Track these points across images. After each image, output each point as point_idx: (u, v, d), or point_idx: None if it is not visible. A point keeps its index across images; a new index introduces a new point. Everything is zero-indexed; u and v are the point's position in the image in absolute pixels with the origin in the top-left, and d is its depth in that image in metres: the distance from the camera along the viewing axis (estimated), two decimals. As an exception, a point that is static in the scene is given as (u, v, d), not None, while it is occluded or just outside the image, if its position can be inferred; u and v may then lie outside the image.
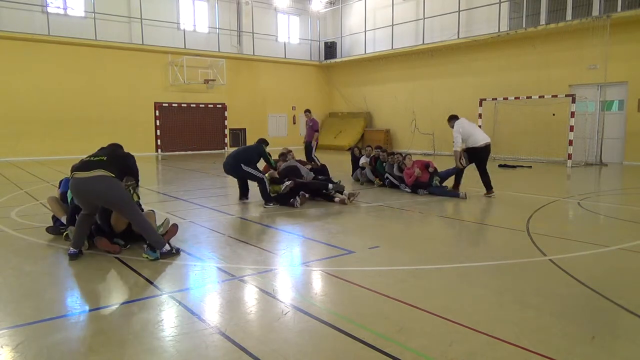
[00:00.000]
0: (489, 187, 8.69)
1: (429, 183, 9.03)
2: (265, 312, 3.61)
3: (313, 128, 13.82)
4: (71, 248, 4.88)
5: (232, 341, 3.07)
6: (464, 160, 8.79)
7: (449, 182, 9.34)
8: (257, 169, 8.06)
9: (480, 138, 8.68)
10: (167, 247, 4.89)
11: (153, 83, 20.27)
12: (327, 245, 5.51)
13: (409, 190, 9.20)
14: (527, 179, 11.95)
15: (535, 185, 10.86)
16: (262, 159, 8.24)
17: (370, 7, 22.96)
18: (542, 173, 13.19)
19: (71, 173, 4.79)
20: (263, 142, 8.35)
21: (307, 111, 14.58)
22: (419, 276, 4.42)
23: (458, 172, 9.12)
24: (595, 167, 14.47)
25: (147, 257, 4.81)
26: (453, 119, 8.91)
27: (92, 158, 4.89)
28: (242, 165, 7.96)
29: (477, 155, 8.72)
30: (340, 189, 8.36)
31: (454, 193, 8.78)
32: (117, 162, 4.98)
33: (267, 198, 7.89)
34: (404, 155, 9.94)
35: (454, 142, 8.66)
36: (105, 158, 4.86)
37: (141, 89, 19.85)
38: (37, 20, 17.59)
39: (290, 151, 9.25)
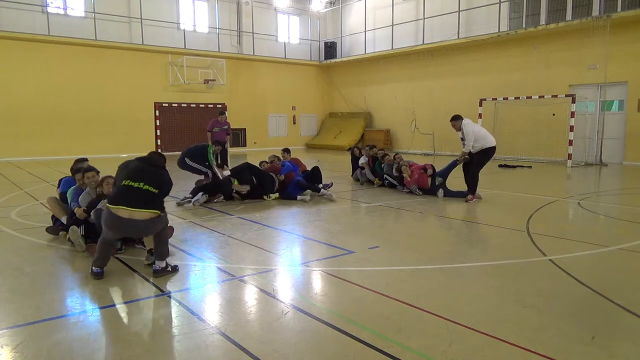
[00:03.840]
0: (473, 189, 8.42)
1: (431, 187, 8.86)
2: (265, 312, 3.61)
3: (227, 131, 12.47)
4: (93, 267, 4.35)
5: (232, 341, 3.07)
6: (466, 159, 8.62)
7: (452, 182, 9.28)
8: (203, 164, 8.66)
9: (492, 139, 8.45)
10: (162, 263, 4.42)
11: (153, 83, 20.27)
12: (327, 245, 5.51)
13: (407, 191, 9.19)
14: (527, 179, 11.95)
15: (535, 185, 10.86)
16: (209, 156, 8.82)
17: (370, 7, 22.95)
18: (542, 173, 13.19)
19: (115, 201, 4.25)
20: (214, 144, 8.98)
21: (223, 113, 12.65)
22: (419, 276, 4.42)
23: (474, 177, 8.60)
24: (595, 167, 14.46)
25: (145, 261, 4.82)
26: (459, 118, 8.54)
27: (141, 185, 4.31)
28: (186, 159, 8.71)
29: (487, 156, 8.43)
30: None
31: (463, 193, 8.64)
32: (165, 192, 4.51)
33: (195, 191, 8.26)
34: (395, 156, 10.00)
35: (465, 142, 8.32)
36: (157, 191, 4.37)
37: (141, 88, 19.84)
38: (37, 20, 17.58)
39: (280, 156, 9.59)
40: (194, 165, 8.69)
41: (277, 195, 8.57)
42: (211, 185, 8.45)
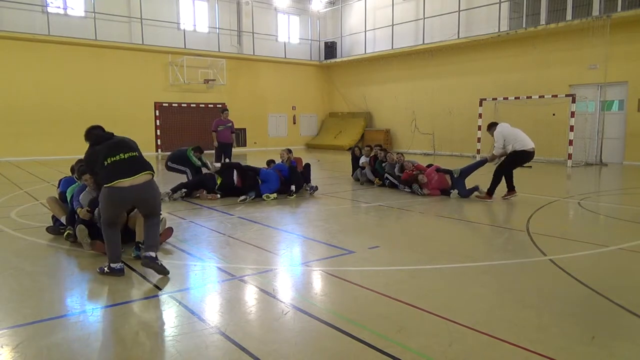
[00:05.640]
0: (489, 190, 8.46)
1: (452, 184, 8.82)
2: (265, 312, 3.62)
3: (232, 129, 12.64)
4: (111, 264, 4.32)
5: (232, 341, 3.07)
6: (497, 160, 8.67)
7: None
8: (184, 166, 9.57)
9: (528, 142, 8.35)
10: (154, 253, 4.33)
11: (153, 83, 20.26)
12: (327, 245, 5.51)
13: (408, 190, 9.19)
14: (527, 179, 11.93)
15: (535, 185, 10.85)
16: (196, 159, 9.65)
17: (370, 7, 22.95)
18: (542, 173, 13.19)
19: (110, 179, 4.15)
20: (194, 150, 9.73)
21: (225, 110, 13.00)
22: (418, 276, 4.42)
23: (508, 176, 8.50)
24: (595, 167, 14.46)
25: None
26: (492, 126, 8.65)
27: (122, 156, 4.29)
28: (169, 163, 9.83)
29: (524, 158, 8.38)
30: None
31: (475, 189, 8.65)
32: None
33: (179, 187, 8.77)
34: (396, 156, 10.01)
35: (495, 146, 8.48)
36: (136, 153, 4.40)
37: (141, 88, 19.84)
38: (37, 20, 17.57)
39: (289, 151, 9.92)
40: (176, 167, 9.76)
41: (275, 195, 8.61)
42: (193, 181, 9.01)
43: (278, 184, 8.83)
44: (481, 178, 9.52)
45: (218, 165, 10.05)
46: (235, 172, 8.89)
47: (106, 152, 4.29)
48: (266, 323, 3.41)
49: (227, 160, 12.45)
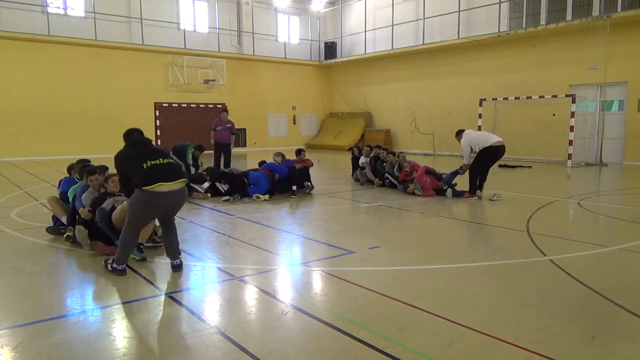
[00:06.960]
0: (475, 188, 8.53)
1: (441, 187, 8.94)
2: (265, 312, 3.62)
3: (232, 130, 12.80)
4: (116, 264, 4.40)
5: (232, 341, 3.07)
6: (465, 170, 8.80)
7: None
8: (181, 161, 9.37)
9: (492, 138, 8.47)
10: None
11: (153, 83, 20.26)
12: (327, 245, 5.51)
13: (405, 190, 9.17)
14: (527, 179, 11.95)
15: (535, 185, 10.85)
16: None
17: (370, 7, 22.94)
18: (542, 173, 13.19)
19: (151, 182, 4.21)
20: (195, 148, 10.25)
21: (225, 111, 13.19)
22: (419, 276, 4.42)
23: (481, 177, 8.67)
24: (595, 167, 14.46)
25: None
26: (459, 134, 8.79)
27: (162, 161, 4.40)
28: (170, 153, 10.15)
29: (491, 155, 8.43)
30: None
31: (463, 192, 8.74)
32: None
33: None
34: (398, 154, 10.02)
35: (463, 155, 8.71)
36: (173, 161, 4.58)
37: (141, 89, 19.83)
38: (37, 20, 17.57)
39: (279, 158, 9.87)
40: (175, 159, 10.17)
41: (267, 197, 8.63)
42: (192, 178, 9.01)
43: (268, 185, 8.82)
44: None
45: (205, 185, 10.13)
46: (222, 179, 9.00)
47: (145, 156, 4.39)
48: (266, 323, 3.41)
49: (226, 160, 12.52)
